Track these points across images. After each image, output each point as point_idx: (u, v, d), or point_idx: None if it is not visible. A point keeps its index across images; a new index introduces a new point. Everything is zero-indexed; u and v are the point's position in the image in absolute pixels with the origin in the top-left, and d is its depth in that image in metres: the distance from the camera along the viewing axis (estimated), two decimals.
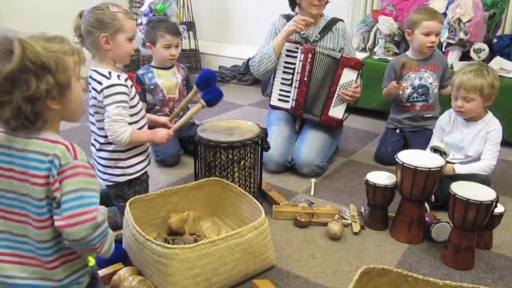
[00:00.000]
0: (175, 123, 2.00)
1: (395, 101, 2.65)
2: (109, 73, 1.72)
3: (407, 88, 2.55)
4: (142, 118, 1.85)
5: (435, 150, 2.06)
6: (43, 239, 1.15)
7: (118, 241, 1.69)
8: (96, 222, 1.12)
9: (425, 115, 2.57)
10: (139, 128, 1.83)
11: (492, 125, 2.08)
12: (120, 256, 1.62)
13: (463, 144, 2.12)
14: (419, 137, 2.54)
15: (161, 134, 1.88)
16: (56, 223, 1.11)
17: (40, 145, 1.14)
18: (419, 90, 2.55)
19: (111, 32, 1.68)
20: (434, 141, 2.22)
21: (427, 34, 2.45)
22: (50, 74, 1.10)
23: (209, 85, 1.96)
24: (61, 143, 1.15)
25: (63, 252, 1.19)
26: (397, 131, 2.66)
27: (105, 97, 1.70)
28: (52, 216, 1.13)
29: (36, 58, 1.07)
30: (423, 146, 2.20)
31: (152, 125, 1.99)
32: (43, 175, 1.11)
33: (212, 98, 1.96)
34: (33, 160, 1.13)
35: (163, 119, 2.05)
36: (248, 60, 2.90)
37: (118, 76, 1.73)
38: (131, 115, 1.78)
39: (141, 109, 1.85)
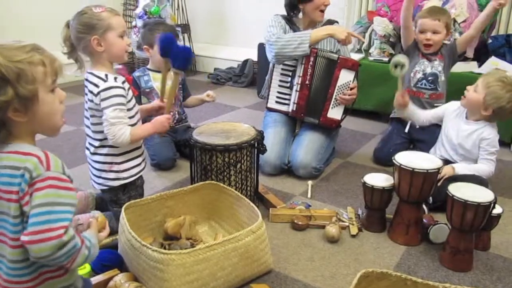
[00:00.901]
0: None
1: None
2: (106, 75, 1.70)
3: (418, 73, 2.55)
4: (138, 121, 1.84)
5: (395, 65, 2.12)
6: (17, 259, 1.10)
7: (114, 247, 1.68)
8: (61, 240, 1.05)
9: (435, 104, 2.53)
10: None
11: (486, 131, 2.06)
12: (116, 262, 1.60)
13: (457, 140, 2.12)
14: (429, 139, 2.44)
15: (160, 121, 1.84)
16: (22, 238, 1.05)
17: (11, 158, 1.09)
18: (429, 78, 2.55)
19: (101, 33, 1.66)
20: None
21: (422, 32, 2.48)
22: (9, 86, 1.04)
23: (170, 48, 1.79)
24: (34, 154, 1.09)
25: (42, 270, 1.13)
26: (406, 130, 2.61)
27: (102, 100, 1.68)
28: None
29: None
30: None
31: (146, 116, 1.99)
32: (16, 190, 1.06)
33: (181, 61, 1.80)
34: (5, 175, 1.08)
35: (155, 102, 2.03)
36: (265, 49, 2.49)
37: (115, 78, 1.72)
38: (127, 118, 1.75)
39: (137, 112, 1.83)
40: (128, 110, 1.76)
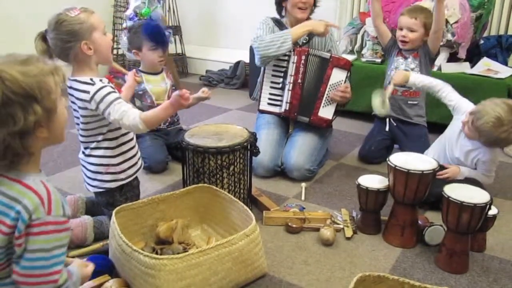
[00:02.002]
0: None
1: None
2: (91, 79, 1.65)
3: (393, 71, 2.53)
4: None
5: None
6: None
7: (104, 252, 1.64)
8: (56, 285, 1.03)
9: (409, 102, 2.53)
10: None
11: (484, 155, 2.00)
12: (107, 267, 1.57)
13: (457, 154, 2.08)
14: (411, 141, 2.49)
15: (175, 99, 1.70)
16: (14, 276, 1.01)
17: (10, 187, 1.03)
18: None
19: (87, 36, 1.61)
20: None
21: (400, 28, 2.50)
22: (36, 102, 0.99)
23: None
24: (35, 191, 1.02)
25: None
26: (386, 129, 2.62)
27: (98, 102, 1.63)
28: (6, 261, 1.03)
29: (17, 87, 0.96)
30: (417, 150, 2.13)
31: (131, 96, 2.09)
32: (9, 224, 1.00)
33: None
34: (1, 203, 1.02)
35: (129, 76, 2.14)
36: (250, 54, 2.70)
37: (101, 80, 1.68)
38: None
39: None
40: None
